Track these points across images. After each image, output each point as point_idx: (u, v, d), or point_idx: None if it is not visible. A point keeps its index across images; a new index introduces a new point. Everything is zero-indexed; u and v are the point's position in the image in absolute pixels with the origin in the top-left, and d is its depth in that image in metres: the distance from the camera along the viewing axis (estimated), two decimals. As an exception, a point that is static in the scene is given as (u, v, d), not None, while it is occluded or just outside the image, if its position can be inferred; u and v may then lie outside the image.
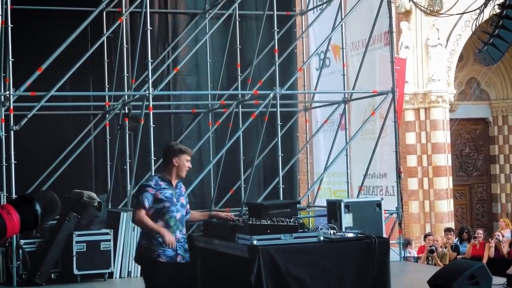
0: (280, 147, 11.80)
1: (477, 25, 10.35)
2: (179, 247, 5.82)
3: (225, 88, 13.33)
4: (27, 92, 10.59)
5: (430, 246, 13.95)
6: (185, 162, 5.96)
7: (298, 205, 11.28)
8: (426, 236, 15.39)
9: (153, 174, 10.98)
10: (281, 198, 11.49)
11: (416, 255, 14.79)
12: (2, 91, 10.72)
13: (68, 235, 10.22)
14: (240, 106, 12.79)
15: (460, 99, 19.53)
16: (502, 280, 8.96)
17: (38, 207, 2.64)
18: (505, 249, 13.42)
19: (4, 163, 10.49)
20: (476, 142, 20.72)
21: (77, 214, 10.34)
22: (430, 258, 13.63)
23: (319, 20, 13.46)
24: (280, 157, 11.76)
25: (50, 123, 12.44)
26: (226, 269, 6.48)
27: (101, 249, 10.33)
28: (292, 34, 14.11)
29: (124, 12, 11.99)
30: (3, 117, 10.59)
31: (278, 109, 11.68)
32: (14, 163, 10.37)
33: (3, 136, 10.53)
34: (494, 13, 9.53)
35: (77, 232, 10.22)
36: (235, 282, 6.19)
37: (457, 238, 14.95)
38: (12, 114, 10.47)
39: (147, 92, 11.07)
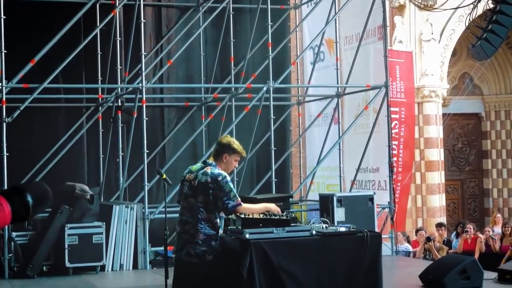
0: (273, 141, 11.79)
1: (471, 20, 10.37)
2: None
3: (218, 81, 13.31)
4: (19, 84, 10.55)
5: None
6: (233, 161, 6.02)
7: (290, 199, 11.29)
8: (417, 230, 15.40)
9: (149, 167, 10.96)
10: (274, 192, 11.49)
11: (411, 249, 14.76)
12: (-5, 83, 10.69)
13: (60, 227, 10.20)
14: (233, 99, 12.77)
15: (453, 94, 19.53)
16: (494, 275, 8.98)
17: (29, 198, 2.62)
18: (497, 244, 13.45)
19: (-4, 155, 10.47)
20: (468, 137, 20.74)
21: (69, 207, 10.31)
22: (427, 252, 13.60)
23: (313, 14, 13.45)
24: (273, 151, 11.76)
25: (43, 115, 12.42)
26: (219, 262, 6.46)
27: (93, 242, 10.31)
28: (286, 28, 14.09)
29: (117, 5, 11.94)
30: (-5, 109, 10.56)
31: (271, 103, 11.67)
32: (6, 155, 10.34)
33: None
34: (488, 8, 9.53)
35: (69, 225, 10.20)
36: (227, 275, 6.18)
37: (453, 233, 15.00)
38: (4, 106, 10.44)
39: (140, 85, 11.05)
